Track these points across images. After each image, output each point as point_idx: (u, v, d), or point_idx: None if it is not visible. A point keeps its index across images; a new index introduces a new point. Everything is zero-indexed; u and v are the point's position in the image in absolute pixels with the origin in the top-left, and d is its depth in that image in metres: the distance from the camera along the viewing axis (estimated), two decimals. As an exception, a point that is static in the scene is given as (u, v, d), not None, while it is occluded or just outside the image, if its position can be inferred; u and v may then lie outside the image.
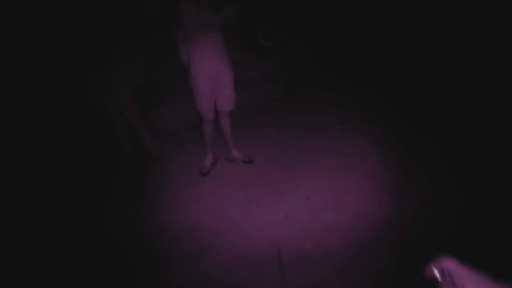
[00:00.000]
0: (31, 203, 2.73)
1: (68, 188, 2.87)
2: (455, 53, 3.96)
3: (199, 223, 2.51)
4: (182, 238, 2.41)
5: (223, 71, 2.62)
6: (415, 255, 1.59)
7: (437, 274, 0.52)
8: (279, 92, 4.39)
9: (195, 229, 2.46)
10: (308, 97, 4.36)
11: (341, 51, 4.90)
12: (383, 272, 2.02)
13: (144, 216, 2.65)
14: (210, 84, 2.62)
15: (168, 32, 2.61)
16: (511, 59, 3.14)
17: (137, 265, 2.24)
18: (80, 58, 2.81)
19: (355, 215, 2.41)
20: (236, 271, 2.13)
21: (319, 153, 3.12)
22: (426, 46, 4.49)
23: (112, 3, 2.91)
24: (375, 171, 2.82)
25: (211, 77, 2.59)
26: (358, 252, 2.14)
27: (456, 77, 3.67)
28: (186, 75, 2.66)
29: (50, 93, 2.96)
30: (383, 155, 2.99)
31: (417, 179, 2.68)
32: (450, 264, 0.52)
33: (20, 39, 2.77)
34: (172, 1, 2.46)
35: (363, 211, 2.44)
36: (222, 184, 2.90)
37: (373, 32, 5.00)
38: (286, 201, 2.61)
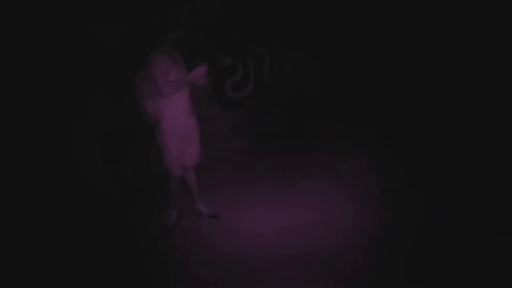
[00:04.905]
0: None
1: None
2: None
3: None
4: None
5: (192, 125, 2.62)
6: None
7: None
8: (246, 144, 4.45)
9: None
10: (275, 149, 4.44)
11: (308, 103, 5.13)
12: None
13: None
14: (180, 139, 2.57)
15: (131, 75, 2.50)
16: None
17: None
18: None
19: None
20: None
21: (287, 207, 3.09)
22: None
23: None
24: (345, 226, 2.79)
25: (181, 132, 2.55)
26: None
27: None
28: (153, 130, 2.57)
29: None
30: (354, 210, 3.00)
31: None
32: None
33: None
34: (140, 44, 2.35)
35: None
36: (188, 240, 2.75)
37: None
38: (252, 256, 2.51)
